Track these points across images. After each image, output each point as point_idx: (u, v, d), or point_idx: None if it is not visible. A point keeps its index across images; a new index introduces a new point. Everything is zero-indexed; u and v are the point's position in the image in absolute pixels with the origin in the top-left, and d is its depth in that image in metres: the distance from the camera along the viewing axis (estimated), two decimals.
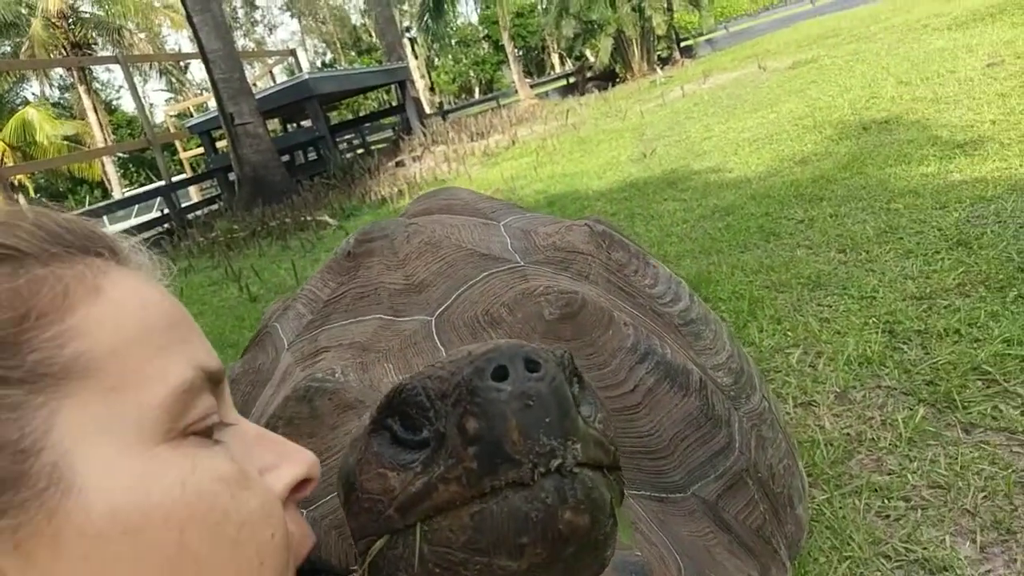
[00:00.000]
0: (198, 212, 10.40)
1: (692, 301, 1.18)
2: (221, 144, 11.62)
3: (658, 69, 15.81)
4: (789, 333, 2.13)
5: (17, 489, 0.34)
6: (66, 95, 30.10)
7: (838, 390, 1.79)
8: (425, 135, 11.14)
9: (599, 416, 0.46)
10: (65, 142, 22.54)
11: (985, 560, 1.21)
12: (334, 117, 18.02)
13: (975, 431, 1.52)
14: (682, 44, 18.11)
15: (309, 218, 7.28)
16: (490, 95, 27.79)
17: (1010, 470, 1.37)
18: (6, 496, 0.34)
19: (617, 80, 16.85)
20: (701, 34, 19.34)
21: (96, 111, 22.99)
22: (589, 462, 0.42)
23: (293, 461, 0.48)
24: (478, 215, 1.18)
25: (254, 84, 12.94)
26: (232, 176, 10.06)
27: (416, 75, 17.76)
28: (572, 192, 5.18)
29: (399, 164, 10.03)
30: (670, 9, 16.70)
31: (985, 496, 1.33)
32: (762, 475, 0.99)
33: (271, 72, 15.76)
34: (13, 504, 0.34)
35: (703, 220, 3.52)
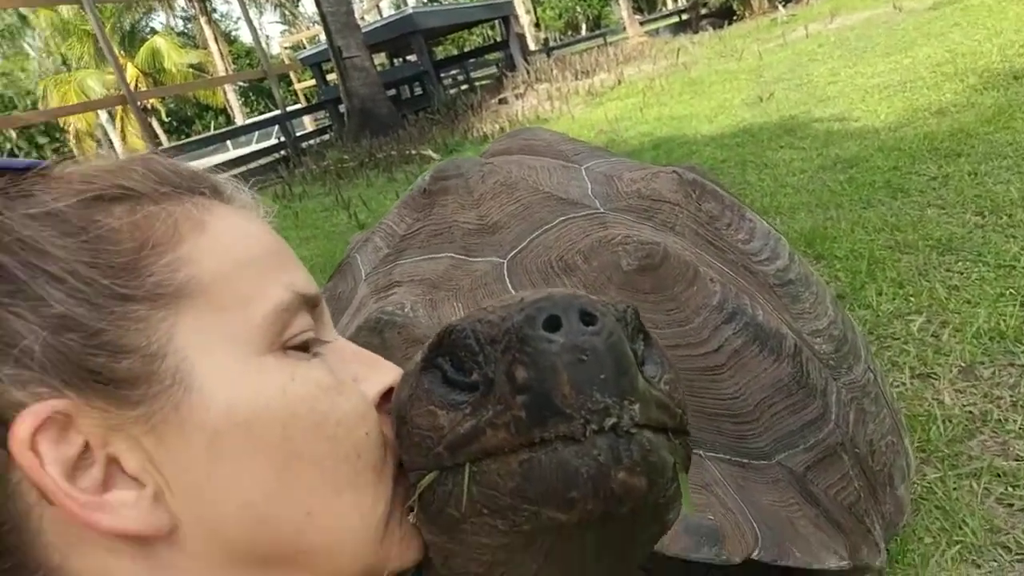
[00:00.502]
0: (312, 141, 10.73)
1: (792, 260, 1.08)
2: (332, 76, 11.87)
3: (780, 7, 14.71)
4: (912, 299, 1.94)
5: (149, 384, 0.42)
6: (189, 26, 31.54)
7: (963, 364, 1.62)
8: (528, 72, 10.93)
9: (665, 377, 0.44)
10: (190, 70, 23.73)
11: None
12: (439, 52, 17.98)
13: None
14: None
15: (413, 152, 7.40)
16: (597, 32, 26.89)
17: None
18: (140, 390, 0.42)
19: (734, 18, 15.86)
20: None
21: (216, 41, 23.97)
22: (650, 424, 0.40)
23: (384, 371, 0.54)
24: (559, 157, 1.12)
25: (361, 18, 13.07)
26: (342, 108, 10.29)
27: (521, 10, 17.40)
28: (680, 136, 4.95)
29: (502, 101, 9.94)
30: None
31: None
32: (860, 451, 0.91)
33: (378, 6, 15.85)
34: (147, 396, 0.42)
35: (822, 171, 3.26)
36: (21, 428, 0.39)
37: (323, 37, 10.12)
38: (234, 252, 0.48)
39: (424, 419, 0.44)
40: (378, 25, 11.02)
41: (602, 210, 0.96)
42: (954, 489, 1.27)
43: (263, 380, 0.45)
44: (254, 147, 12.61)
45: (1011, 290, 1.84)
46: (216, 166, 8.96)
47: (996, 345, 1.64)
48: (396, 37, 10.77)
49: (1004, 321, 1.70)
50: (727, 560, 0.67)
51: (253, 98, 34.41)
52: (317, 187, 7.10)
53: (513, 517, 0.41)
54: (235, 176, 0.57)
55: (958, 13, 6.71)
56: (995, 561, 1.12)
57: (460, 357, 0.43)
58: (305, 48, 14.24)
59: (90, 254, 0.43)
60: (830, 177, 3.15)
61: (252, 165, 9.22)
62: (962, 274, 2.00)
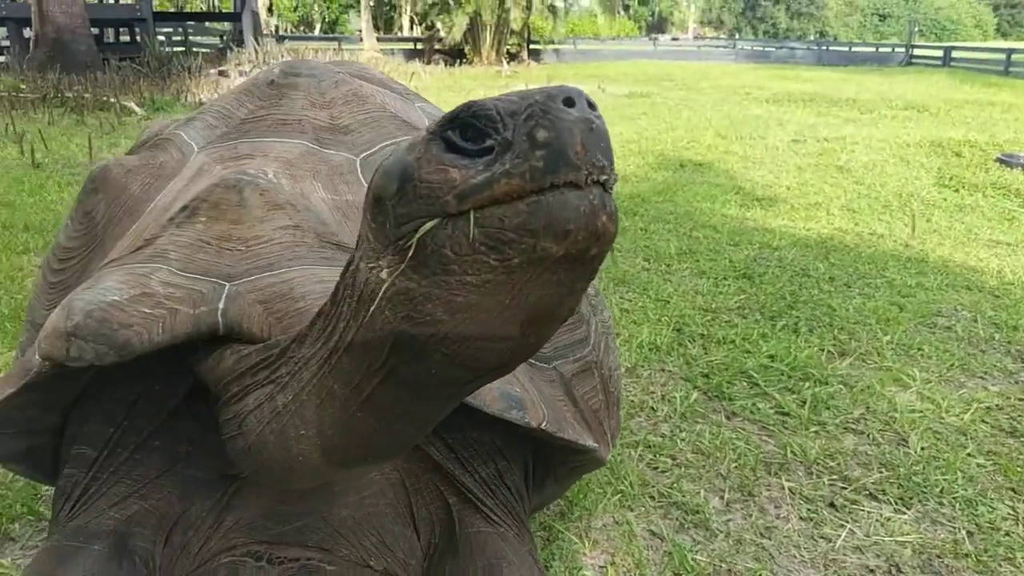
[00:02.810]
0: None
1: None
2: None
3: (504, 62, 16.16)
4: None
5: None
6: None
7: (629, 366, 2.02)
8: (257, 53, 10.45)
9: None
10: None
11: (728, 511, 1.46)
12: (156, 6, 16.11)
13: (735, 419, 1.80)
14: (531, 46, 18.66)
15: (113, 100, 6.81)
16: (332, 35, 26.55)
17: (758, 451, 1.66)
18: None
19: (464, 60, 16.96)
20: (552, 42, 20.08)
21: None
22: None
23: None
24: (395, 91, 1.20)
25: None
26: (28, 32, 9.00)
27: None
28: None
29: (222, 73, 9.35)
30: (528, 8, 17.15)
31: (736, 466, 1.60)
32: (604, 373, 1.15)
33: None
34: None
35: None
36: None
37: None
38: None
39: (435, 175, 0.52)
40: None
41: None
42: (619, 455, 1.60)
43: None
44: None
45: (666, 318, 2.35)
46: None
47: (653, 355, 2.10)
48: None
49: (660, 338, 2.18)
50: (528, 423, 0.85)
51: None
52: None
53: (508, 251, 0.50)
54: None
55: (647, 104, 8.22)
56: (643, 506, 1.46)
57: (477, 127, 0.51)
58: None
59: None
60: None
61: None
62: (631, 302, 2.51)
